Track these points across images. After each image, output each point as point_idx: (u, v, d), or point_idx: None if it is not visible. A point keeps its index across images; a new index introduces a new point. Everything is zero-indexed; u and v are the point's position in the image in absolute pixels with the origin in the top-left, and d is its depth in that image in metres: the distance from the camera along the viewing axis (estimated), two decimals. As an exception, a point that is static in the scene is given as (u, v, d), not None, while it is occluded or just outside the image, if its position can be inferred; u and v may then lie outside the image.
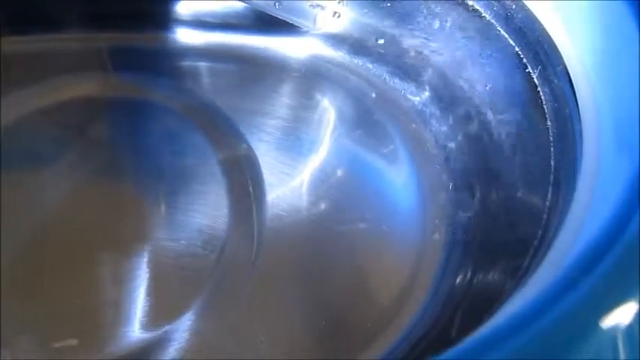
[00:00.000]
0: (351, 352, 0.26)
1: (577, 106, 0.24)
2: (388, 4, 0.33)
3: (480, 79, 0.31)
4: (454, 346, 0.16)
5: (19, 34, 0.34)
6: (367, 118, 0.34)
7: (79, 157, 0.32)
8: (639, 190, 0.18)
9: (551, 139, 0.25)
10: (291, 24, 0.34)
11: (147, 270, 0.28)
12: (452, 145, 0.32)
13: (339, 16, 0.34)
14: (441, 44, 0.32)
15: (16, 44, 0.34)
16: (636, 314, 0.17)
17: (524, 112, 0.28)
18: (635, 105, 0.21)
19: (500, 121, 0.29)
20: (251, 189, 0.31)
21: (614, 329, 0.16)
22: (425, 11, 0.32)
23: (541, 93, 0.27)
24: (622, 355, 0.17)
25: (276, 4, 0.33)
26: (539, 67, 0.27)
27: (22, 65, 0.34)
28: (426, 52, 0.33)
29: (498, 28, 0.29)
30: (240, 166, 0.31)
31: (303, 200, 0.31)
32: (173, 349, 0.26)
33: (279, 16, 0.34)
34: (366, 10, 0.34)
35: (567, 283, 0.17)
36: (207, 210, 0.30)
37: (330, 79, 0.35)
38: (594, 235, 0.18)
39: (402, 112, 0.33)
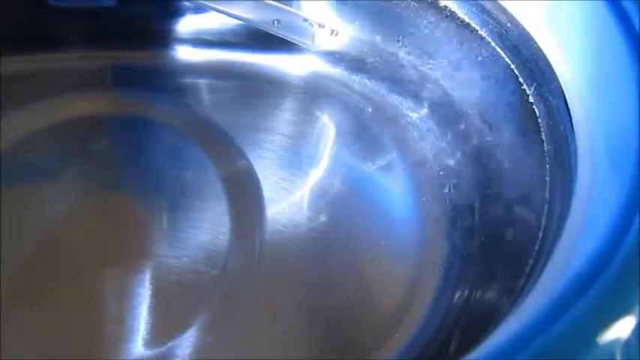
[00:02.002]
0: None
1: (571, 123, 0.24)
2: (386, 22, 0.33)
3: (477, 95, 0.31)
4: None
5: (20, 54, 0.35)
6: (366, 134, 0.34)
7: (81, 174, 0.32)
8: (632, 208, 0.19)
9: (546, 156, 0.26)
10: (290, 42, 0.34)
11: (149, 286, 0.28)
12: (450, 160, 0.32)
13: (336, 34, 0.34)
14: (438, 61, 0.32)
15: (17, 63, 0.34)
16: (634, 329, 0.17)
17: (520, 130, 0.28)
18: (627, 124, 0.21)
19: (497, 138, 0.30)
20: (251, 204, 0.31)
21: (612, 345, 0.17)
22: (422, 29, 0.32)
23: (536, 110, 0.27)
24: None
25: (275, 22, 0.33)
26: (534, 85, 0.27)
27: (24, 84, 0.34)
28: (423, 68, 0.33)
29: (494, 45, 0.29)
30: (241, 182, 0.32)
31: (303, 215, 0.31)
32: (175, 363, 0.26)
33: (277, 35, 0.34)
34: (363, 28, 0.34)
35: (564, 302, 0.17)
36: (209, 226, 0.30)
37: (329, 95, 0.35)
38: (590, 253, 0.18)
39: (400, 127, 0.34)
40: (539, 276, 0.19)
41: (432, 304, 0.28)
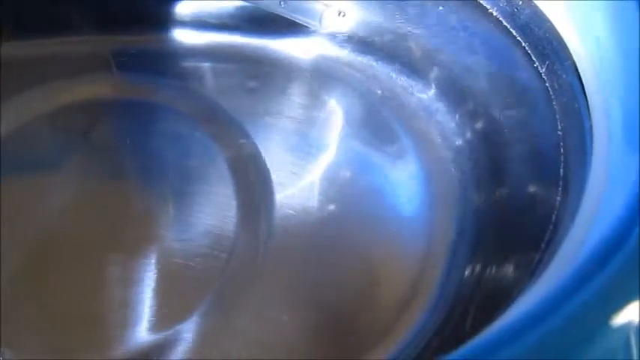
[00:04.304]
0: (361, 352, 0.26)
1: (586, 101, 0.24)
2: (393, 2, 0.33)
3: (487, 75, 0.31)
4: (466, 343, 0.16)
5: (23, 38, 0.34)
6: (374, 117, 0.34)
7: (85, 159, 0.32)
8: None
9: (560, 134, 0.25)
10: (297, 24, 0.34)
11: (155, 271, 0.28)
12: (459, 141, 0.32)
13: (344, 15, 0.34)
14: (447, 41, 0.32)
15: (20, 48, 0.34)
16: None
17: (533, 108, 0.28)
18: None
19: (508, 118, 0.29)
20: (258, 189, 0.31)
21: (626, 326, 0.16)
22: (430, 8, 0.32)
23: (549, 88, 0.27)
24: (635, 352, 0.17)
25: (282, 2, 0.33)
26: (547, 63, 0.27)
27: (27, 68, 0.34)
28: (431, 49, 0.33)
29: (505, 23, 0.29)
30: (247, 167, 0.31)
31: (312, 199, 0.31)
32: (181, 349, 0.26)
33: (284, 16, 0.34)
34: (371, 9, 0.34)
35: (579, 281, 0.17)
36: (215, 211, 0.30)
37: (337, 78, 0.35)
38: (606, 232, 0.18)
39: (408, 109, 0.33)
40: (554, 254, 0.19)
41: (443, 283, 0.27)
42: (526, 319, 0.16)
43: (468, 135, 0.31)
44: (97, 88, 0.34)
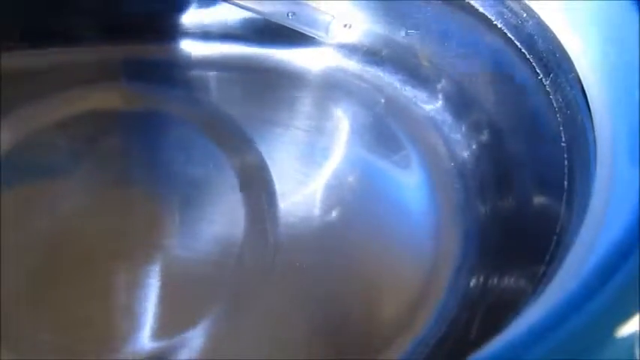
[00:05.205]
0: (367, 357, 0.26)
1: (590, 114, 0.24)
2: (400, 14, 0.33)
3: (493, 86, 0.31)
4: (472, 353, 0.16)
5: (31, 48, 0.34)
6: (380, 127, 0.34)
7: (93, 168, 0.32)
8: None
9: (564, 146, 0.25)
10: (304, 35, 0.34)
11: (162, 278, 0.28)
12: (465, 153, 0.32)
13: (350, 27, 0.34)
14: (453, 53, 0.32)
15: (26, 58, 0.34)
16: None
17: (537, 120, 0.28)
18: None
19: (513, 129, 0.29)
20: (264, 197, 0.31)
21: (631, 337, 0.16)
22: (437, 20, 0.32)
23: (553, 101, 0.27)
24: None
25: (289, 14, 0.33)
26: (551, 75, 0.27)
27: (35, 78, 0.34)
28: (438, 60, 0.33)
29: (510, 36, 0.29)
30: (253, 175, 0.32)
31: (317, 207, 0.31)
32: (186, 356, 0.26)
33: (292, 27, 0.34)
34: (377, 20, 0.34)
35: (585, 294, 0.17)
36: (222, 219, 0.30)
37: (343, 88, 0.35)
38: (611, 243, 0.18)
39: (414, 120, 0.34)
40: (559, 265, 0.19)
41: (448, 293, 0.27)
42: (532, 331, 0.16)
43: (474, 147, 0.31)
44: (104, 98, 0.34)
